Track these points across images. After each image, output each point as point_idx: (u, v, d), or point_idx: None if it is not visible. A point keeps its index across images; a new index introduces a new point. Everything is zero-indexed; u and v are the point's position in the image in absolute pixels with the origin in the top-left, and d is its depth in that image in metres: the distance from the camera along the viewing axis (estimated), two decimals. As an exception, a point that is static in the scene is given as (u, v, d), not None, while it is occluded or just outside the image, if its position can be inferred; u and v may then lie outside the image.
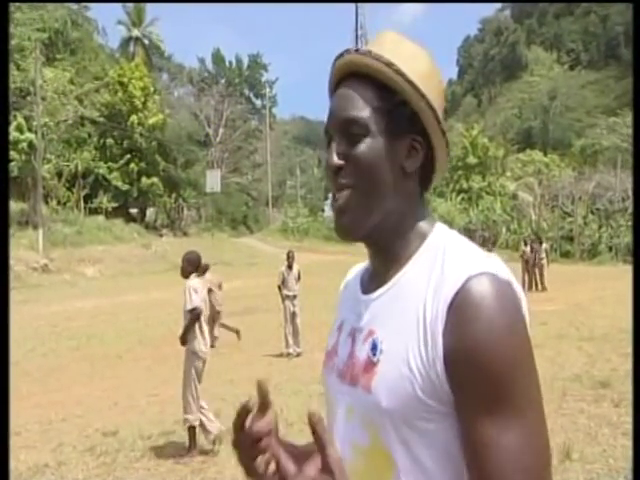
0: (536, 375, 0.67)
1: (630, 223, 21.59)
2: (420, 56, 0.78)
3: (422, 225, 0.77)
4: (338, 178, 0.75)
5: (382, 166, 0.74)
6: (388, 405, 0.68)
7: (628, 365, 5.83)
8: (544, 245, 14.38)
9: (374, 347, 0.72)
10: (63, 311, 11.65)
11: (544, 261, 13.52)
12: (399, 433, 0.68)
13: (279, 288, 7.68)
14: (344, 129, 0.75)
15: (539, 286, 13.32)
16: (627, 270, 18.25)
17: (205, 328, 4.42)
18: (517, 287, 0.69)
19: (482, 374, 0.64)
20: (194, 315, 4.23)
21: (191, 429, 4.17)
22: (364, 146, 0.74)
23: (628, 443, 3.78)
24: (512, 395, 0.64)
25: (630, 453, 3.55)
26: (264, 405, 0.66)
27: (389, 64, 0.73)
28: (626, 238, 21.31)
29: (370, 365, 0.72)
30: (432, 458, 0.68)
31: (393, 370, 0.69)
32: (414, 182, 0.77)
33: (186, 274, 4.40)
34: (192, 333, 4.24)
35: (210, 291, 6.80)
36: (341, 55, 0.78)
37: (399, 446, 0.69)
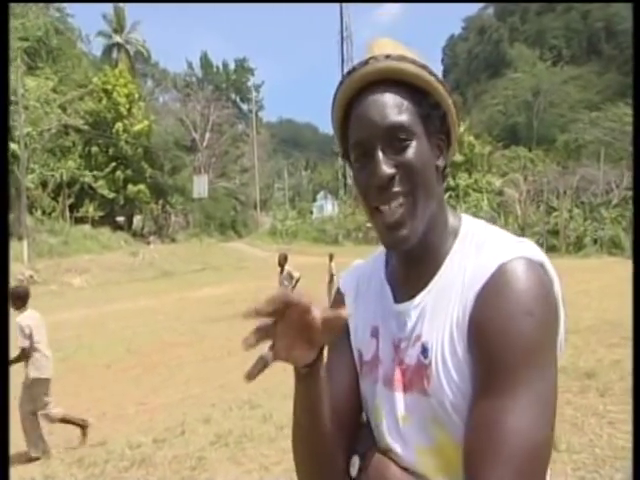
0: (553, 353, 0.67)
1: (614, 215, 21.88)
2: (422, 59, 0.78)
3: (452, 220, 0.79)
4: (390, 187, 0.72)
5: (430, 168, 0.74)
6: (453, 401, 0.69)
7: (613, 356, 5.92)
8: None
9: (424, 350, 0.72)
10: (50, 322, 11.41)
11: None
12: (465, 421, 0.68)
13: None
14: (390, 136, 0.72)
15: None
16: (612, 262, 18.51)
17: (40, 354, 4.56)
18: (550, 268, 0.70)
19: (499, 343, 0.65)
20: (23, 355, 4.44)
21: (63, 421, 4.55)
22: (413, 150, 0.72)
23: (614, 432, 3.84)
24: (526, 368, 0.64)
25: (622, 442, 3.60)
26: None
27: (424, 66, 0.74)
28: (610, 231, 21.62)
29: (422, 368, 0.72)
30: None
31: (444, 366, 0.69)
32: (441, 180, 0.79)
33: (16, 308, 4.51)
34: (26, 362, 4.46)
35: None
36: (365, 63, 0.73)
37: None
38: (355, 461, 0.77)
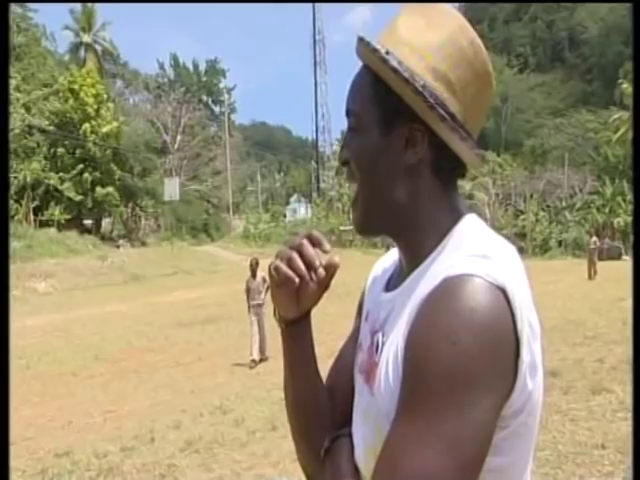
0: (482, 397, 0.57)
1: (578, 218, 22.69)
2: (436, 24, 0.69)
3: (443, 220, 0.70)
4: (347, 173, 0.74)
5: (376, 161, 0.70)
6: (387, 408, 0.64)
7: (576, 355, 6.12)
8: None
9: (377, 347, 0.70)
10: (12, 329, 11.10)
11: None
12: None
13: (247, 294, 7.56)
14: (348, 121, 0.73)
15: None
16: (575, 264, 19.11)
17: None
18: (516, 297, 0.59)
19: (414, 364, 0.59)
20: None
21: None
22: (357, 141, 0.71)
23: (576, 429, 3.97)
24: (433, 400, 0.57)
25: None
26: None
27: (374, 50, 0.67)
28: (574, 233, 22.37)
29: (374, 365, 0.69)
30: None
31: (386, 372, 0.65)
32: (425, 174, 0.70)
33: None
34: None
35: None
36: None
37: None
38: (325, 443, 0.76)
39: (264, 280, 7.37)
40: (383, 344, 0.69)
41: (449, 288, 0.59)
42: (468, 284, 0.58)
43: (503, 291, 0.59)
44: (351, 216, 0.77)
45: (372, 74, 0.70)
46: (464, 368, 0.56)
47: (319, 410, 0.79)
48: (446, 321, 0.58)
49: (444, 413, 0.56)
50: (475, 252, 0.63)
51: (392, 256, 0.86)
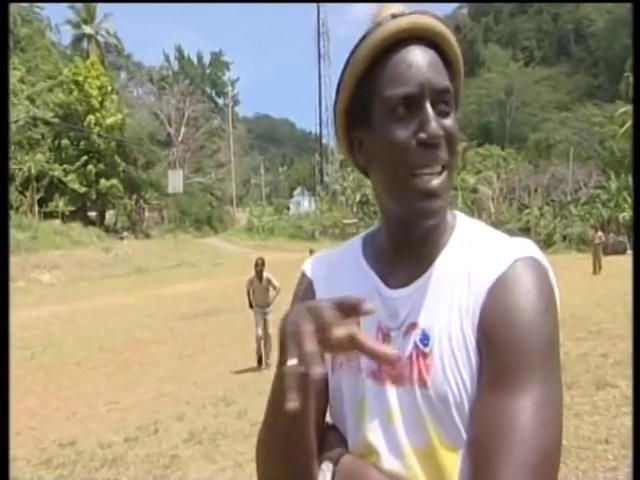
0: (559, 357, 0.65)
1: (582, 213, 22.58)
2: None
3: (449, 214, 0.74)
4: (438, 149, 0.66)
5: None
6: (454, 397, 0.64)
7: (580, 349, 6.11)
8: None
9: (425, 337, 0.67)
10: (17, 320, 11.12)
11: None
12: (465, 423, 0.64)
13: (248, 295, 7.00)
14: (438, 98, 0.66)
15: None
16: (580, 259, 19.05)
17: None
18: (553, 275, 0.68)
19: (517, 339, 0.62)
20: None
21: None
22: (452, 121, 0.67)
23: (580, 423, 3.96)
24: (543, 367, 0.61)
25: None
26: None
27: (459, 39, 0.70)
28: (578, 228, 22.28)
29: (421, 357, 0.67)
30: None
31: (452, 357, 0.65)
32: None
33: None
34: None
35: None
36: (403, 14, 0.68)
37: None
38: (328, 467, 0.69)
39: (269, 282, 6.77)
40: (432, 332, 0.67)
41: (525, 266, 0.66)
42: (537, 263, 0.67)
43: (548, 271, 0.68)
44: (431, 201, 0.67)
45: (441, 55, 0.69)
46: (556, 335, 0.65)
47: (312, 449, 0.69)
48: (534, 294, 0.64)
49: (551, 378, 0.62)
50: (516, 239, 0.70)
51: (326, 257, 0.81)
